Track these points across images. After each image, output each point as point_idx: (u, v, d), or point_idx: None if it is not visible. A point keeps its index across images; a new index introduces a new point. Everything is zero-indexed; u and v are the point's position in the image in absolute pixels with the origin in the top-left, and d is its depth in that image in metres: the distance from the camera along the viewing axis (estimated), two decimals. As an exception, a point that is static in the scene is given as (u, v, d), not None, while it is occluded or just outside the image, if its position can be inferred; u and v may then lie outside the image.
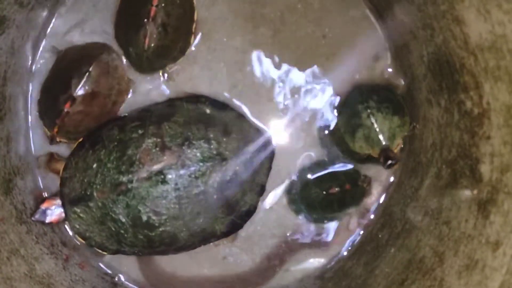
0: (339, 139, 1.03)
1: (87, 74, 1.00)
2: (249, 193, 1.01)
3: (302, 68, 1.06)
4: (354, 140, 0.99)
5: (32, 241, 0.99)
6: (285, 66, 1.07)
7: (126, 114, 1.03)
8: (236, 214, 1.00)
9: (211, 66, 1.06)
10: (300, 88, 1.07)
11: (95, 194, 0.94)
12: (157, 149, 0.94)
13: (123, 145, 0.95)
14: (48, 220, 0.99)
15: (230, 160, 0.97)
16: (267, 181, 1.04)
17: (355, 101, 0.99)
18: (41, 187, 1.08)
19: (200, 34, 1.06)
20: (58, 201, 0.99)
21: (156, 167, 0.93)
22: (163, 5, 0.98)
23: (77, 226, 0.98)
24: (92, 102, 1.02)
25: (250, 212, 1.03)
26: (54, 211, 0.99)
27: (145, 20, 0.98)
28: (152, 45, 0.99)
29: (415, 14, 0.89)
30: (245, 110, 1.06)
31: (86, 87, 1.00)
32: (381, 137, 0.96)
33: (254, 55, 1.07)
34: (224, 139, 0.98)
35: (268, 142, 1.05)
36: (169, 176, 0.93)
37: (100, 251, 1.01)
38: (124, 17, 1.03)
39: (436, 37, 0.85)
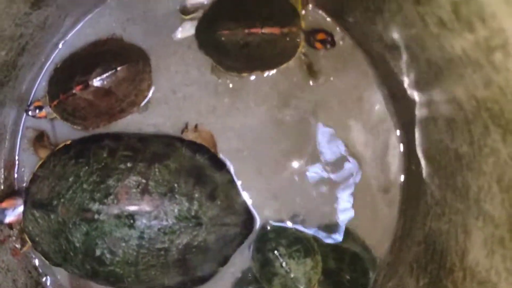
0: (258, 283, 1.05)
1: (113, 71, 0.98)
2: (210, 262, 0.99)
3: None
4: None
5: None
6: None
7: (122, 134, 1.01)
8: (189, 277, 0.98)
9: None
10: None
11: (59, 208, 0.92)
12: (138, 190, 0.92)
13: (106, 171, 0.93)
14: (6, 220, 0.97)
15: (204, 227, 0.94)
16: (234, 254, 1.02)
17: (264, 248, 1.01)
18: (16, 158, 1.05)
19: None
20: (19, 202, 0.98)
21: (130, 208, 0.91)
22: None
23: (30, 228, 0.96)
24: (102, 98, 1.00)
25: (204, 279, 1.00)
26: (13, 212, 0.97)
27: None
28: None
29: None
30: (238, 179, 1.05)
31: (105, 82, 0.98)
32: (298, 285, 0.99)
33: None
34: (207, 203, 0.95)
35: (249, 220, 1.03)
36: (139, 223, 0.91)
37: (43, 258, 0.99)
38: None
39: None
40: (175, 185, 0.93)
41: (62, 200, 0.92)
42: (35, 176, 0.97)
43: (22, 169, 1.06)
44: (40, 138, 1.03)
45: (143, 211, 0.90)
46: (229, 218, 0.97)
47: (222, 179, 0.99)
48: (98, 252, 0.91)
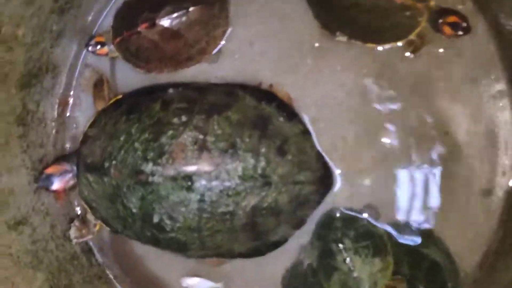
0: (313, 272, 0.91)
1: (184, 11, 0.88)
2: (283, 225, 0.88)
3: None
4: (330, 284, 0.88)
5: (19, 148, 0.84)
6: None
7: (178, 84, 0.91)
8: (261, 242, 0.88)
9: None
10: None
11: (112, 170, 0.84)
12: (195, 147, 0.81)
13: (159, 127, 0.83)
14: (53, 187, 0.90)
15: (274, 187, 0.83)
16: (311, 215, 0.90)
17: (328, 237, 0.90)
18: (71, 94, 0.97)
19: None
20: (66, 167, 0.90)
21: (187, 169, 0.81)
22: None
23: (86, 193, 0.89)
24: (169, 40, 0.90)
25: (279, 243, 0.90)
26: (60, 178, 0.90)
27: None
28: None
29: None
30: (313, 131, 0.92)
31: (174, 23, 0.88)
32: (361, 287, 0.86)
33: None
34: (276, 159, 0.84)
35: (326, 176, 0.91)
36: (197, 185, 0.81)
37: (103, 224, 0.91)
38: None
39: None
40: (238, 139, 0.82)
41: (114, 162, 0.83)
42: (86, 137, 0.89)
43: (75, 112, 0.98)
44: (99, 85, 0.94)
45: (202, 171, 0.80)
46: (302, 175, 0.85)
47: (293, 130, 0.88)
48: (156, 219, 0.82)
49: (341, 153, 0.91)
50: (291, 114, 0.89)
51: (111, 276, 0.97)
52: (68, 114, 0.96)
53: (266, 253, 0.90)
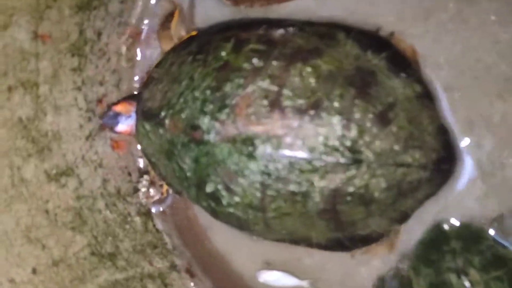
0: None
1: None
2: (378, 217, 0.68)
3: None
4: None
5: (71, 83, 0.69)
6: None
7: (263, 21, 0.73)
8: (346, 234, 0.70)
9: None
10: None
11: (167, 122, 0.69)
12: (265, 102, 0.64)
13: (225, 73, 0.67)
14: (118, 128, 0.77)
15: (366, 166, 0.64)
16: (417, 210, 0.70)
17: (441, 263, 0.69)
18: (145, 25, 0.81)
19: None
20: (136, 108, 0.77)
21: (249, 129, 0.64)
22: None
23: (144, 144, 0.75)
24: None
25: (371, 239, 0.71)
26: (128, 120, 0.76)
27: None
28: None
29: None
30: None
31: None
32: None
33: None
34: (374, 129, 0.64)
35: (447, 162, 0.68)
36: (261, 151, 0.64)
37: (163, 182, 0.79)
38: None
39: None
40: (324, 97, 0.63)
41: (171, 111, 0.69)
42: (150, 78, 0.75)
43: (148, 48, 0.81)
44: (167, 21, 0.78)
45: (269, 135, 0.63)
46: (409, 155, 0.65)
47: (406, 93, 0.67)
48: (210, 188, 0.68)
49: (480, 136, 0.68)
50: (407, 71, 0.68)
51: (169, 246, 0.82)
52: (138, 49, 0.80)
53: (352, 248, 0.72)
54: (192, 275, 0.83)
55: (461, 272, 0.66)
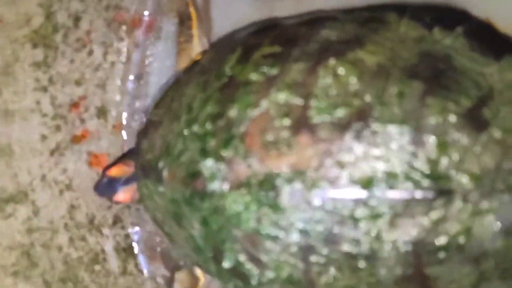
0: None
1: None
2: (498, 281, 0.45)
3: None
4: None
5: (32, 83, 0.57)
6: None
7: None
8: None
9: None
10: None
11: (164, 173, 0.52)
12: (287, 122, 0.46)
13: (230, 92, 0.50)
14: (118, 197, 0.60)
15: (461, 199, 0.43)
16: None
17: None
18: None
19: None
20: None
21: (268, 165, 0.46)
22: None
23: (152, 210, 0.57)
24: None
25: None
26: (128, 185, 0.59)
27: None
28: None
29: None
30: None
31: None
32: None
33: None
34: (465, 139, 0.44)
35: None
36: (287, 196, 0.45)
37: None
38: None
39: None
40: (375, 101, 0.44)
41: (169, 158, 0.52)
42: (148, 123, 0.59)
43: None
44: (185, 27, 0.61)
45: (298, 169, 0.45)
46: None
47: (506, 76, 0.46)
48: (228, 261, 0.49)
49: None
50: (500, 48, 0.48)
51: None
52: (139, 40, 0.62)
53: None
54: None
55: None
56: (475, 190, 0.43)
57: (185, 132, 0.51)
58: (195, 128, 0.50)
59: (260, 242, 0.46)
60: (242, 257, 0.48)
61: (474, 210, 0.43)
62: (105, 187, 0.60)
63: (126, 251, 0.65)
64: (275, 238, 0.46)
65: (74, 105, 0.60)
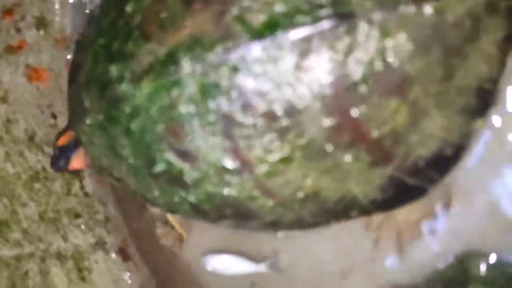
0: None
1: None
2: (437, 112, 0.42)
3: None
4: None
5: None
6: None
7: None
8: (400, 165, 0.44)
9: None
10: None
11: (86, 103, 0.49)
12: None
13: None
14: (74, 165, 0.56)
15: (367, 22, 0.40)
16: None
17: None
18: None
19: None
20: None
21: (168, 43, 0.43)
22: None
23: (95, 155, 0.53)
24: None
25: (447, 161, 0.45)
26: (78, 149, 0.55)
27: None
28: None
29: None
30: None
31: None
32: None
33: None
34: None
35: None
36: (188, 65, 0.42)
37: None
38: None
39: None
40: None
41: (86, 85, 0.49)
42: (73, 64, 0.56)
43: None
44: None
45: (195, 36, 0.42)
46: None
47: None
48: (160, 165, 0.47)
49: None
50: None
51: (99, 217, 0.62)
52: None
53: (426, 190, 0.47)
54: (125, 257, 0.64)
55: None
56: (378, 9, 0.39)
57: (96, 49, 0.48)
58: (101, 40, 0.47)
59: (181, 129, 0.43)
60: (170, 156, 0.45)
61: (382, 31, 0.40)
62: (59, 160, 0.56)
63: (71, 172, 0.63)
64: (191, 117, 0.43)
65: (7, 11, 0.57)
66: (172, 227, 0.63)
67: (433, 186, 0.45)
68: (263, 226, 0.48)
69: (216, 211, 0.47)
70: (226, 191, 0.45)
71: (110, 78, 0.45)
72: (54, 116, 0.61)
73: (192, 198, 0.47)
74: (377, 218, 0.53)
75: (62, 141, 0.56)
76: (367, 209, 0.46)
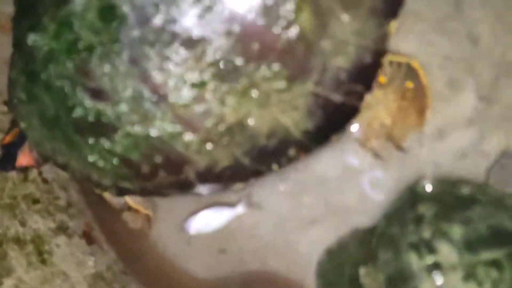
0: None
1: None
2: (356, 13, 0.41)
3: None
4: None
5: None
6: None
7: None
8: (321, 81, 0.42)
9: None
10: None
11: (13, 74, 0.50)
12: None
13: None
14: (20, 163, 0.55)
15: None
16: None
17: (402, 239, 0.44)
18: None
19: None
20: None
21: None
22: None
23: (36, 140, 0.51)
24: None
25: (368, 71, 0.43)
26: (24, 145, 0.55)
27: None
28: None
29: None
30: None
31: None
32: None
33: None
34: None
35: None
36: None
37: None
38: None
39: None
40: None
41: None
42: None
43: None
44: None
45: None
46: None
47: None
48: (77, 111, 0.46)
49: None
50: None
51: (61, 203, 0.61)
52: None
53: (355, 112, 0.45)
54: (90, 241, 0.63)
55: (425, 246, 0.39)
56: None
57: (20, 23, 0.47)
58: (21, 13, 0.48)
59: (89, 64, 0.42)
60: (86, 100, 0.44)
61: None
62: (6, 159, 0.55)
63: (21, 171, 0.62)
64: (96, 49, 0.42)
65: None
66: (137, 211, 0.62)
67: (361, 101, 0.43)
68: (203, 177, 0.47)
69: (147, 162, 0.46)
70: (147, 130, 0.44)
71: (27, 39, 0.45)
72: (6, 103, 0.62)
73: (118, 147, 0.45)
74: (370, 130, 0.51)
75: (7, 139, 0.55)
76: (304, 143, 0.44)
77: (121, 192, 0.51)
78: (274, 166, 0.46)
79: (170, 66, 0.41)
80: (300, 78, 0.40)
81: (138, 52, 0.40)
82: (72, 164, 0.50)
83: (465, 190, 0.44)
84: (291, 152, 0.45)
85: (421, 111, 0.50)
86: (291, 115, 0.42)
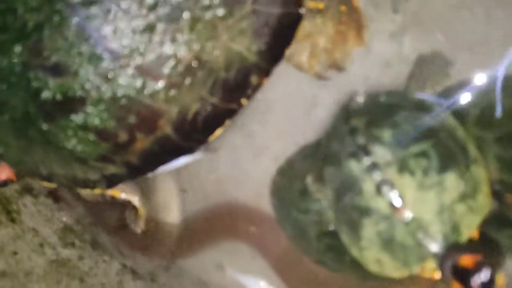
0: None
1: None
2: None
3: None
4: (360, 245, 0.47)
5: None
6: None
7: None
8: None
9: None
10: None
11: None
12: None
13: None
14: (1, 177, 0.54)
15: None
16: None
17: (341, 150, 0.49)
18: None
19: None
20: None
21: None
22: None
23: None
24: None
25: None
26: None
27: None
28: None
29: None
30: None
31: None
32: (427, 240, 0.43)
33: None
34: None
35: None
36: None
37: None
38: None
39: None
40: None
41: None
42: None
43: None
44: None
45: None
46: None
47: None
48: (44, 93, 0.46)
49: None
50: None
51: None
52: None
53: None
54: (56, 199, 0.65)
55: (361, 152, 0.44)
56: None
57: None
58: None
59: (38, 41, 0.43)
60: (49, 80, 0.45)
61: None
62: None
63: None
64: (42, 23, 0.43)
65: None
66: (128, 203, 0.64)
67: (300, 7, 0.45)
68: (179, 127, 0.47)
69: (121, 126, 0.46)
70: (113, 90, 0.45)
71: None
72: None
73: (91, 119, 0.46)
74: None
75: None
76: (261, 66, 0.46)
77: (111, 181, 0.51)
78: (243, 101, 0.48)
79: (116, 19, 0.42)
80: (237, 0, 0.43)
81: (82, 14, 0.42)
82: (55, 169, 0.50)
83: (390, 99, 0.49)
84: (253, 79, 0.47)
85: (358, 32, 0.54)
86: (241, 40, 0.44)
